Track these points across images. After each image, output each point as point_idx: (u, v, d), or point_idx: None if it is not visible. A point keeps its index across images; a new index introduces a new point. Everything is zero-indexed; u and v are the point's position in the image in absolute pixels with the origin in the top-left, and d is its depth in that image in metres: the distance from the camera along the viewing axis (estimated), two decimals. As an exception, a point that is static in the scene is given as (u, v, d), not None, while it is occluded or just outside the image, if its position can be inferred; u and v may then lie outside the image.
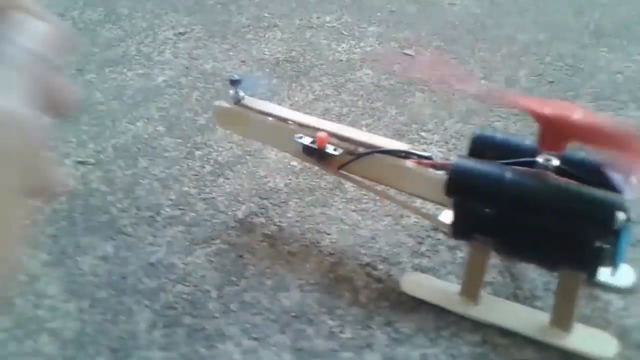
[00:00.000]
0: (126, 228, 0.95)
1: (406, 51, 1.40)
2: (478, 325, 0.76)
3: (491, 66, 1.33)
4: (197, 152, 1.11)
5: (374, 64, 1.35)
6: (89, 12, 1.70)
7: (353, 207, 0.97)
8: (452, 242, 0.86)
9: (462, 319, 0.77)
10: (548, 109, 0.66)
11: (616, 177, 0.72)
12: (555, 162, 0.69)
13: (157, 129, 1.18)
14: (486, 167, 0.71)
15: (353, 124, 1.16)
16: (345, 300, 0.81)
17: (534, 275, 0.83)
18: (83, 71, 1.40)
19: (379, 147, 0.81)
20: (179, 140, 1.14)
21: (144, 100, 1.27)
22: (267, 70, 1.36)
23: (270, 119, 0.88)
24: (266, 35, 1.52)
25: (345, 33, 1.50)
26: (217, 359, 0.74)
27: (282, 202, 0.99)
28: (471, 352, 0.74)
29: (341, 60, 1.38)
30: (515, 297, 0.80)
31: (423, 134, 1.13)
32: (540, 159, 0.69)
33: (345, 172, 0.84)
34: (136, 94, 1.30)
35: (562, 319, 0.73)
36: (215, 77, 1.34)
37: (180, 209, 0.98)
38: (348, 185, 0.97)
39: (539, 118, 0.68)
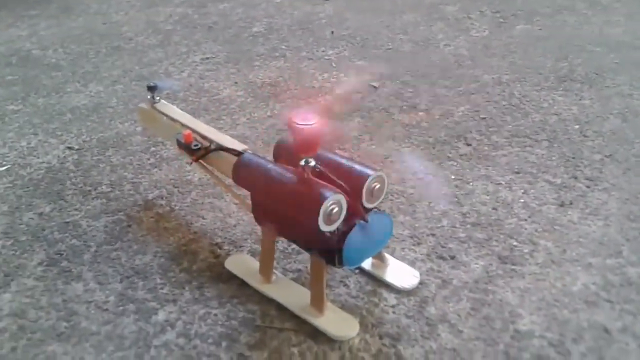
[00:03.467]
0: (68, 196, 1.21)
1: (372, 83, 1.54)
2: (264, 299, 0.90)
3: (437, 100, 1.42)
4: (152, 149, 1.35)
5: (335, 91, 1.51)
6: (152, 38, 2.05)
7: (237, 201, 1.14)
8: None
9: (255, 292, 0.91)
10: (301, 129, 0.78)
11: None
12: (312, 162, 0.82)
13: (137, 129, 1.45)
14: (259, 162, 0.85)
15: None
16: (180, 267, 0.99)
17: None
18: (117, 82, 1.73)
19: (222, 146, 0.98)
20: (145, 139, 1.40)
21: (143, 107, 1.55)
22: (251, 90, 1.58)
23: (165, 118, 1.10)
24: (270, 64, 1.74)
25: (334, 65, 1.67)
26: (65, 292, 0.96)
27: (187, 191, 1.19)
28: (244, 317, 0.87)
29: (313, 87, 1.56)
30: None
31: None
32: (301, 161, 0.82)
33: (203, 163, 1.02)
34: (140, 102, 1.58)
35: (315, 300, 0.84)
36: (206, 93, 1.59)
37: (112, 187, 1.22)
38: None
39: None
